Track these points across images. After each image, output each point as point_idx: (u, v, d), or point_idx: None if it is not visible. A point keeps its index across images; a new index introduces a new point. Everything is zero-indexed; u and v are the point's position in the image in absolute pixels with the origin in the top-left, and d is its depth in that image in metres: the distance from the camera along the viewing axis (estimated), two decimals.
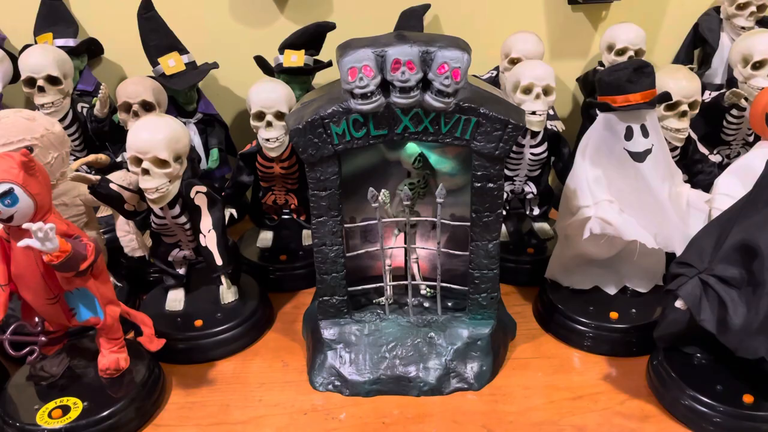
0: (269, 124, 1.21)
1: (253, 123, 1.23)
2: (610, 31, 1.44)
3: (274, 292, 1.27)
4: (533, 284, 1.27)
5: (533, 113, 1.17)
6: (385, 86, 0.90)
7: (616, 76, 1.01)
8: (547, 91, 1.21)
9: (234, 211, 1.32)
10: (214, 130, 1.51)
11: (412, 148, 1.04)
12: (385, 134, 0.95)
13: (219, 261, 1.11)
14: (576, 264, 1.17)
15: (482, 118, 0.93)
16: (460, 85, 0.90)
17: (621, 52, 1.42)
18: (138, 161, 1.02)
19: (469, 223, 1.02)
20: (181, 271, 1.19)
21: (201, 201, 1.10)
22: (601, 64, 1.49)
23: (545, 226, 1.38)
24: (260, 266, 1.32)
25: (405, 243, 1.11)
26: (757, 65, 1.25)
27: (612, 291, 1.18)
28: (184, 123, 1.44)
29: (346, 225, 1.04)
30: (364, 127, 0.94)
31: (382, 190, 1.02)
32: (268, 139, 1.22)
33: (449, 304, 1.12)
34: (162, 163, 1.02)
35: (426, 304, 1.13)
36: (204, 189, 1.09)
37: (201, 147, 1.50)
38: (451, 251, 1.06)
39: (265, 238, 1.38)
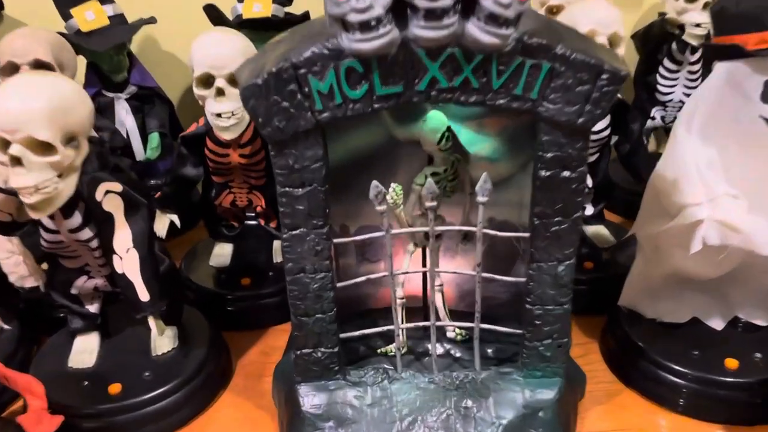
0: (220, 93, 0.83)
1: (197, 91, 0.85)
2: None
3: (234, 330, 0.90)
4: (595, 312, 0.91)
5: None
6: (399, 10, 0.53)
7: (752, 3, 0.65)
8: (613, 42, 0.86)
9: (175, 218, 0.94)
10: (154, 109, 1.14)
11: (437, 119, 0.68)
12: (399, 93, 0.58)
13: (143, 295, 0.74)
14: (667, 286, 0.82)
15: (560, 63, 0.56)
16: (525, 6, 0.53)
17: None
18: (5, 144, 0.64)
19: (527, 234, 0.66)
20: (92, 308, 0.81)
21: (113, 205, 0.72)
22: (662, 15, 1.14)
23: (602, 230, 1.03)
24: (214, 294, 0.94)
25: (425, 264, 0.74)
26: None
27: (719, 325, 0.83)
28: (112, 99, 1.07)
29: (336, 240, 0.67)
30: (365, 80, 0.57)
31: (392, 185, 0.66)
32: (219, 114, 0.85)
33: (489, 351, 0.76)
34: (43, 148, 0.64)
35: (457, 353, 0.77)
36: (118, 187, 0.72)
37: (135, 131, 1.12)
38: (497, 277, 0.69)
39: (222, 253, 1.00)
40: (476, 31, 0.54)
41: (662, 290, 0.82)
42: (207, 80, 0.84)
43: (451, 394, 0.72)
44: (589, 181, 0.98)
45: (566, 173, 0.62)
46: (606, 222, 1.04)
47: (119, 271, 0.74)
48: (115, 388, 0.76)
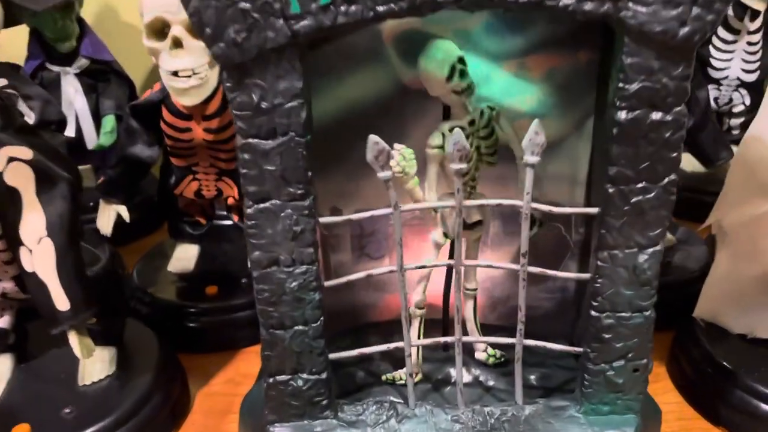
0: (177, 44, 0.64)
1: (148, 43, 0.67)
2: None
3: (195, 352, 0.70)
4: (658, 326, 0.70)
5: None
6: None
7: None
8: None
9: (123, 210, 0.75)
10: (110, 87, 0.95)
11: (443, 46, 0.48)
12: None
13: (61, 303, 0.54)
14: (762, 291, 0.62)
15: None
16: None
17: None
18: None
19: (596, 210, 0.46)
20: (1, 322, 0.61)
21: (20, 179, 0.53)
22: None
23: None
24: (171, 306, 0.74)
25: (452, 257, 0.54)
26: None
27: None
28: (58, 74, 0.88)
29: (322, 219, 0.47)
30: None
31: (397, 147, 0.46)
32: (176, 73, 0.66)
33: (533, 378, 0.56)
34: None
35: (489, 382, 0.56)
36: (27, 154, 0.53)
37: (87, 112, 0.93)
38: (549, 272, 0.49)
39: (184, 256, 0.80)
40: None
41: (756, 296, 0.62)
42: (160, 28, 0.65)
43: None
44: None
45: (658, 115, 0.42)
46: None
47: (28, 269, 0.54)
48: (21, 430, 0.55)
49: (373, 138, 0.44)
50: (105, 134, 0.93)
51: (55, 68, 0.91)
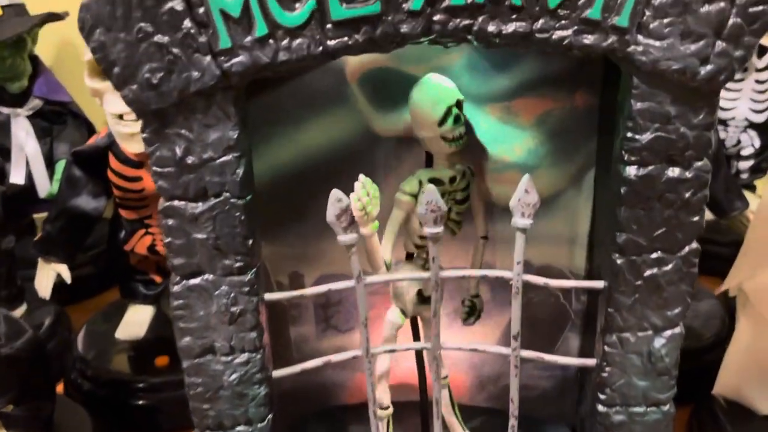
0: None
1: (90, 83, 0.60)
2: None
3: None
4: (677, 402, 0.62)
5: None
6: None
7: None
8: None
9: (63, 270, 0.67)
10: (66, 130, 0.88)
11: (438, 85, 0.41)
12: (374, 16, 0.31)
13: None
14: None
15: None
16: None
17: None
18: None
19: (603, 284, 0.38)
20: None
21: None
22: None
23: None
24: (117, 382, 0.65)
25: (418, 335, 0.46)
26: None
27: None
28: (7, 116, 0.81)
29: (268, 296, 0.39)
30: None
31: (362, 180, 0.38)
32: (121, 116, 0.58)
33: None
34: None
35: None
36: None
37: (39, 157, 0.85)
38: (546, 356, 0.41)
39: (134, 320, 0.71)
40: None
41: None
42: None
43: None
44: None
45: (675, 171, 0.34)
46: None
47: None
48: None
49: (335, 193, 0.36)
50: (57, 181, 0.84)
51: (5, 110, 0.84)
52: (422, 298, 0.43)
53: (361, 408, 0.49)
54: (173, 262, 0.36)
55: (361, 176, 0.37)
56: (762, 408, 0.56)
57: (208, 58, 0.31)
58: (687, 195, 0.35)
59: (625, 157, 0.35)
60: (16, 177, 0.83)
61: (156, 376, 0.65)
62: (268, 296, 0.38)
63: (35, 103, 0.85)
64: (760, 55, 0.87)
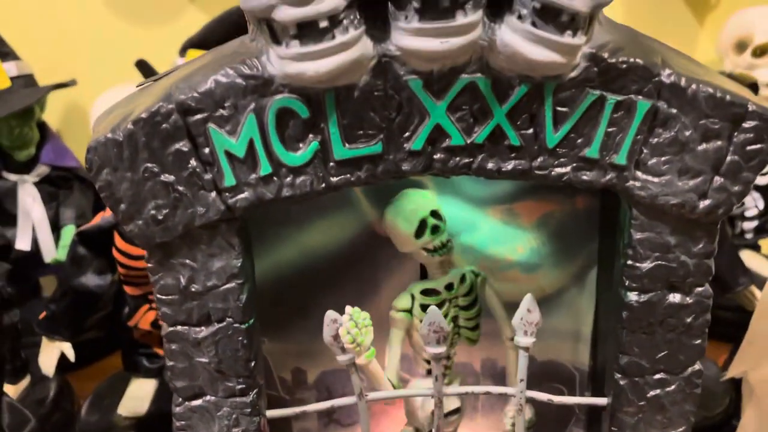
0: None
1: None
2: (739, 21, 0.88)
3: None
4: None
5: None
6: (371, 5, 0.28)
7: None
8: None
9: (67, 348, 0.67)
10: (72, 196, 0.88)
11: (414, 196, 0.41)
12: (376, 155, 0.32)
13: None
14: None
15: (668, 99, 0.31)
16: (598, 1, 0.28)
17: (762, 50, 0.85)
18: None
19: (606, 400, 0.38)
20: None
21: None
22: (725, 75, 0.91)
23: None
24: None
25: None
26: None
27: None
28: (15, 183, 0.82)
29: (270, 413, 0.39)
30: (313, 133, 0.31)
31: (349, 310, 0.38)
32: None
33: None
34: None
35: None
36: None
37: (45, 223, 0.86)
38: None
39: (137, 395, 0.71)
40: (517, 39, 0.28)
41: None
42: None
43: None
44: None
45: (677, 297, 0.35)
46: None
47: None
48: None
49: (330, 315, 0.36)
50: (63, 247, 0.85)
51: (12, 177, 0.84)
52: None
53: None
54: (175, 384, 0.36)
55: (348, 308, 0.37)
56: None
57: (213, 194, 0.32)
58: (689, 320, 0.35)
59: (626, 283, 0.35)
60: (22, 243, 0.84)
61: None
62: (270, 413, 0.38)
63: (42, 169, 0.86)
64: None
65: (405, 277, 0.45)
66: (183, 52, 0.82)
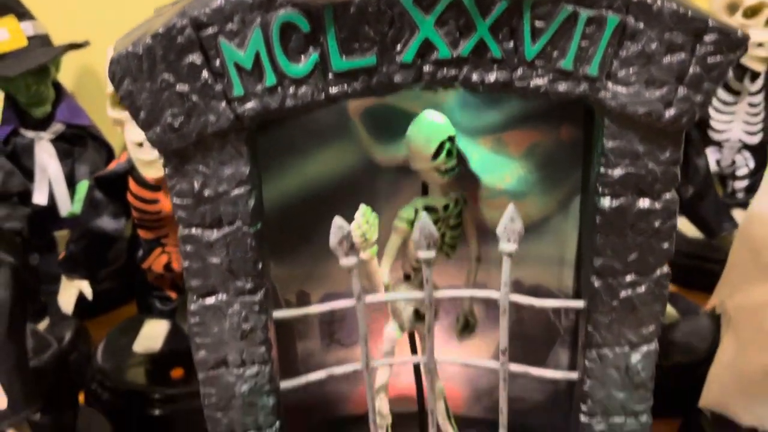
0: None
1: (112, 113, 0.65)
2: None
3: None
4: (662, 414, 0.64)
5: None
6: None
7: None
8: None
9: (85, 286, 0.71)
10: (86, 152, 0.92)
11: (432, 121, 0.45)
12: (370, 67, 0.35)
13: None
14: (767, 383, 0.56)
15: (636, 15, 0.34)
16: None
17: (753, 10, 0.88)
18: None
19: (581, 303, 0.42)
20: None
21: None
22: None
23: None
24: (135, 393, 0.69)
25: (415, 348, 0.50)
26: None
27: None
28: (32, 140, 0.85)
29: (276, 313, 0.42)
30: (314, 45, 0.34)
31: (363, 209, 0.42)
32: (141, 144, 0.62)
33: None
34: None
35: None
36: None
37: (61, 178, 0.89)
38: (532, 370, 0.44)
39: (151, 335, 0.75)
40: None
41: (765, 386, 0.57)
42: None
43: None
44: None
45: (645, 202, 0.38)
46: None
47: None
48: None
49: (337, 221, 0.40)
50: (78, 201, 0.88)
51: (29, 134, 0.88)
52: (418, 316, 0.46)
53: (363, 418, 0.53)
54: (191, 283, 0.39)
55: (362, 205, 0.41)
56: (745, 420, 0.58)
57: (224, 104, 0.35)
58: (657, 224, 0.38)
59: (600, 190, 0.38)
60: (39, 198, 0.88)
61: (171, 387, 0.69)
62: (276, 314, 0.42)
63: (57, 127, 0.90)
64: (753, 79, 0.91)
65: (402, 203, 0.48)
66: None
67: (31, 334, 0.58)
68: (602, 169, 0.37)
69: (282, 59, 0.35)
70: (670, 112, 0.35)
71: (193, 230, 0.38)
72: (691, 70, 0.35)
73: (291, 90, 0.35)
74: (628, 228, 0.38)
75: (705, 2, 0.98)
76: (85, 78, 1.02)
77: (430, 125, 0.44)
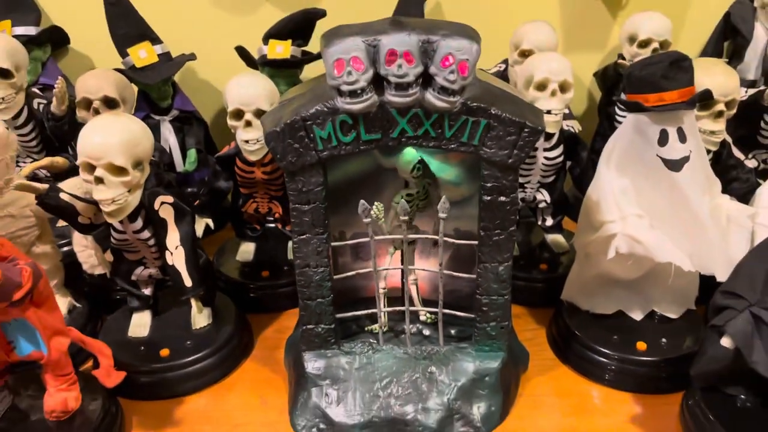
0: (248, 124, 1.06)
1: (230, 122, 1.08)
2: (632, 21, 1.30)
3: (255, 313, 1.13)
4: (547, 305, 1.12)
5: (548, 112, 1.04)
6: (378, 82, 0.75)
7: (649, 71, 0.86)
8: (564, 88, 1.07)
9: (210, 221, 1.18)
10: (192, 129, 1.36)
11: (411, 153, 0.90)
12: (378, 139, 0.80)
13: (188, 282, 0.97)
14: (597, 285, 1.03)
15: (493, 120, 0.78)
16: (467, 80, 0.75)
17: (644, 43, 1.27)
18: (90, 168, 0.88)
19: (476, 242, 0.88)
20: (147, 291, 1.04)
21: (167, 213, 0.95)
22: (621, 57, 1.34)
23: (559, 238, 1.23)
24: (239, 284, 1.16)
25: (402, 263, 0.96)
26: None
27: (638, 316, 1.03)
28: (158, 121, 1.30)
29: (333, 243, 0.89)
30: (354, 130, 0.79)
31: (375, 203, 0.88)
32: (247, 141, 1.07)
33: (452, 332, 0.98)
34: (118, 171, 0.88)
35: (426, 332, 0.99)
36: (170, 199, 0.95)
37: (177, 147, 1.35)
38: (454, 273, 0.91)
39: (246, 250, 1.23)
40: (432, 98, 0.76)
41: (594, 287, 1.03)
42: (238, 114, 1.07)
43: (420, 362, 0.94)
44: (548, 197, 1.20)
45: (502, 198, 0.83)
46: (564, 231, 1.25)
47: (169, 263, 0.97)
48: (164, 353, 0.99)
49: (361, 202, 0.85)
50: (189, 163, 1.34)
51: (156, 117, 1.33)
52: (402, 243, 0.92)
53: (372, 299, 1.00)
54: (295, 229, 0.86)
55: (376, 202, 0.86)
56: (582, 306, 1.05)
57: (313, 152, 0.80)
58: (508, 208, 0.83)
59: (482, 192, 0.83)
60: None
61: (261, 281, 1.16)
62: (333, 243, 0.88)
63: (174, 112, 1.34)
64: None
65: (394, 187, 0.94)
66: (265, 40, 1.29)
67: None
68: (483, 183, 0.82)
69: (340, 135, 0.79)
70: (510, 161, 0.80)
71: (297, 205, 0.84)
72: (518, 143, 0.79)
73: (343, 147, 0.80)
74: (496, 209, 0.84)
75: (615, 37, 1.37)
76: (189, 75, 1.46)
77: (408, 155, 0.89)
